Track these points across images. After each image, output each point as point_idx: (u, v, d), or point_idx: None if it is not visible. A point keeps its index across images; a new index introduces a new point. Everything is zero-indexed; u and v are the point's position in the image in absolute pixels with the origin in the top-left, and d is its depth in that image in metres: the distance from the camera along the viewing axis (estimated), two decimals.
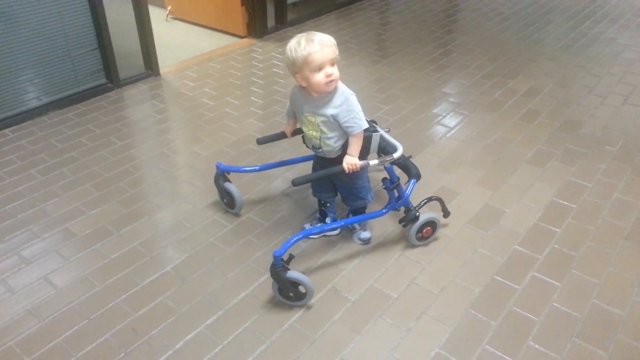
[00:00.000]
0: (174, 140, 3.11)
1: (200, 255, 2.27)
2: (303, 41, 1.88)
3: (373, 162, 2.05)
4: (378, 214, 2.25)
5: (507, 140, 3.07)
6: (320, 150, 2.08)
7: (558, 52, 4.28)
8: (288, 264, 1.95)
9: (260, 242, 2.33)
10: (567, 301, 2.04)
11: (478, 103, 3.49)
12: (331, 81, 1.90)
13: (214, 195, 2.59)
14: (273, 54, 4.28)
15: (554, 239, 2.34)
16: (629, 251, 2.28)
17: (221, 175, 2.44)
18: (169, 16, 5.16)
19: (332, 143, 2.02)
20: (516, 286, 2.10)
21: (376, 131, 2.08)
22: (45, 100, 3.39)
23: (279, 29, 4.77)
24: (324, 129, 2.00)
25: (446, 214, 2.37)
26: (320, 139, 2.03)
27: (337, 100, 1.95)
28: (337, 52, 1.92)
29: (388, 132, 2.27)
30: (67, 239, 2.36)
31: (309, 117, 2.02)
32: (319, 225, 2.33)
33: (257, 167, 2.52)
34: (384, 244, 2.32)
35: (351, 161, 1.98)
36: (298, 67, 1.90)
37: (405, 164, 2.29)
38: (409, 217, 2.20)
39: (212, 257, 2.25)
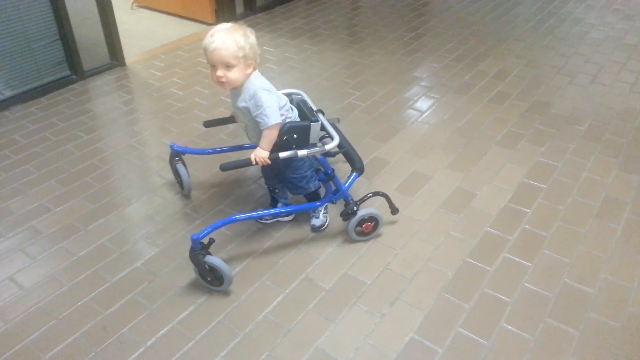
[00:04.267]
0: (142, 132, 3.04)
1: (171, 249, 2.23)
2: (211, 32, 1.84)
3: (301, 152, 1.99)
4: (312, 206, 2.23)
5: (478, 123, 3.08)
6: (252, 137, 2.10)
7: (527, 33, 4.30)
8: (208, 248, 1.94)
9: (231, 233, 2.30)
10: (538, 281, 2.06)
11: (449, 86, 3.49)
12: (221, 82, 1.89)
13: None
14: None
15: (524, 219, 2.37)
16: (599, 229, 2.32)
17: (175, 155, 2.44)
18: (135, 4, 5.02)
19: (256, 132, 2.01)
20: (488, 268, 2.12)
21: (316, 120, 2.04)
22: (7, 94, 3.27)
23: (248, 15, 4.69)
24: (246, 120, 2.02)
25: (394, 211, 2.31)
26: (246, 128, 2.07)
27: (245, 94, 1.94)
28: (239, 55, 1.83)
29: (338, 122, 2.20)
30: (32, 237, 2.29)
31: (234, 107, 2.04)
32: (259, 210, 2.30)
33: (209, 150, 2.57)
34: None
35: (259, 154, 1.96)
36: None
37: (349, 156, 2.20)
38: (346, 211, 2.15)
39: (184, 251, 2.21)
